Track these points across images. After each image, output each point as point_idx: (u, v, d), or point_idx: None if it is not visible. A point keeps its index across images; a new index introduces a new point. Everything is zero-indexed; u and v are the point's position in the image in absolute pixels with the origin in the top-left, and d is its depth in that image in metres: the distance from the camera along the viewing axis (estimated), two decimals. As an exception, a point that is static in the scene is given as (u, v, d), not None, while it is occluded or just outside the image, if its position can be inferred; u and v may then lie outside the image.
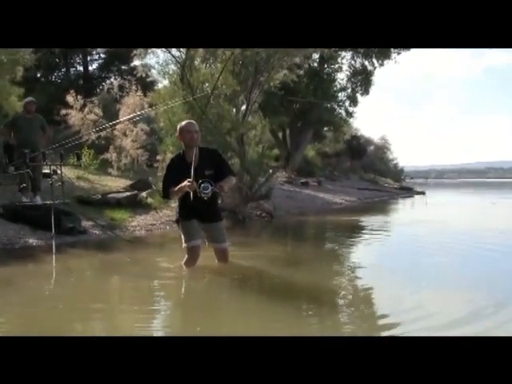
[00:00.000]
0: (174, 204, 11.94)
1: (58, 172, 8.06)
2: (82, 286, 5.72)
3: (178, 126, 5.75)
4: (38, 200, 9.57)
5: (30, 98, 10.52)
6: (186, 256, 5.83)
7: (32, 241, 8.09)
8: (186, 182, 5.31)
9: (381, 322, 4.28)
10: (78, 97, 15.79)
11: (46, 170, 9.24)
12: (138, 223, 10.40)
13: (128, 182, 13.60)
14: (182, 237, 5.80)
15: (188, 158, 5.59)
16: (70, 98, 15.61)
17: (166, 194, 5.73)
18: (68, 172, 11.77)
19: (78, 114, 15.59)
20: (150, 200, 11.80)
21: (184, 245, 5.79)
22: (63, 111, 15.72)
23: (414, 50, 28.95)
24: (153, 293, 5.44)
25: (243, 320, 4.35)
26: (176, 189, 5.46)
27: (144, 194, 11.97)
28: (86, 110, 15.74)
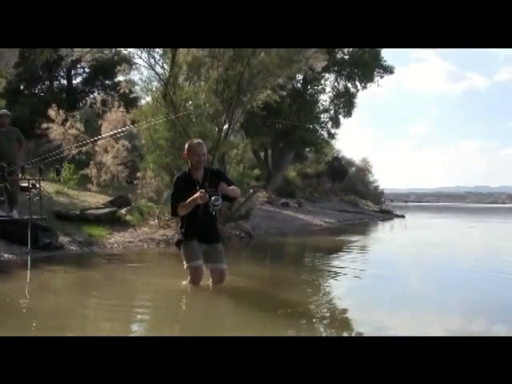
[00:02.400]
0: (153, 222, 11.93)
1: (37, 186, 8.00)
2: (55, 303, 5.66)
3: (187, 145, 5.79)
4: (15, 214, 9.46)
5: (2, 111, 10.42)
6: (190, 276, 5.80)
7: (7, 256, 7.99)
8: (198, 194, 5.38)
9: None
10: (60, 111, 15.70)
11: (24, 184, 9.15)
12: (115, 240, 10.33)
13: (107, 198, 13.54)
14: (184, 257, 5.78)
15: (194, 176, 5.71)
16: (51, 112, 15.51)
17: (175, 211, 5.71)
18: (47, 186, 11.68)
19: (60, 128, 15.49)
20: (128, 217, 11.74)
21: (186, 265, 5.77)
22: (44, 125, 15.61)
23: (395, 73, 29.22)
24: (128, 310, 5.39)
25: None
26: (188, 201, 5.48)
27: (123, 210, 11.92)
28: (68, 124, 15.65)
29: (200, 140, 6.05)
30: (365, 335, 4.47)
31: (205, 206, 5.50)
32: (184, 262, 5.78)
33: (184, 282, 5.89)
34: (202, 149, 5.75)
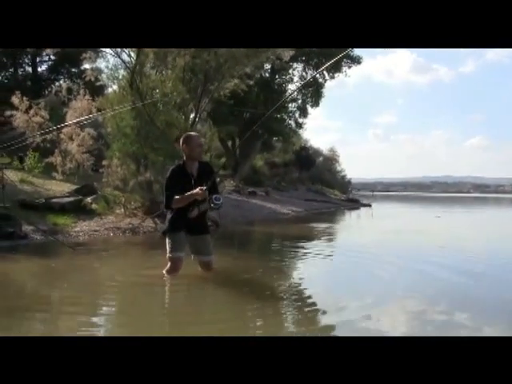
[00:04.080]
0: (119, 210, 11.86)
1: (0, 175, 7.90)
2: (19, 291, 5.60)
3: (185, 137, 5.77)
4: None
5: None
6: (169, 265, 5.81)
7: (-31, 245, 7.89)
8: (197, 190, 5.40)
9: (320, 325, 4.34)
10: (24, 98, 15.47)
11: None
12: (81, 229, 10.25)
13: (73, 187, 13.43)
14: (168, 247, 5.77)
15: (188, 169, 5.69)
16: (15, 100, 15.27)
17: (169, 203, 5.64)
18: (11, 175, 11.55)
19: (23, 115, 15.27)
20: (94, 206, 11.67)
21: (169, 255, 5.77)
22: (8, 112, 15.39)
23: (363, 64, 29.46)
24: (93, 299, 5.35)
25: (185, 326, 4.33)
26: (185, 195, 5.47)
27: (89, 199, 11.84)
28: (32, 112, 15.43)
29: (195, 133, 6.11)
30: (331, 323, 4.53)
31: (200, 202, 5.53)
32: (167, 251, 5.79)
33: (163, 271, 5.88)
34: (201, 140, 5.86)
